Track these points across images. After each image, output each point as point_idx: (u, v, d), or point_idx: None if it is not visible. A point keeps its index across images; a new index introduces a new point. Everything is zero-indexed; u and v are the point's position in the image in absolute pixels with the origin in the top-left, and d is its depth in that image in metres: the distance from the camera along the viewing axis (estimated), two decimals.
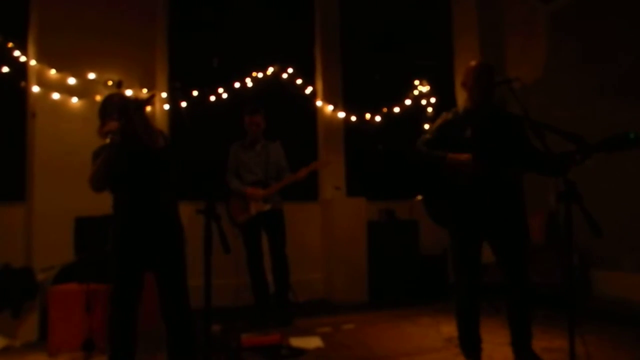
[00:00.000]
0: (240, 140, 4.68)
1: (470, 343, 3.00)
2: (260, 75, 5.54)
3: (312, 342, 3.74)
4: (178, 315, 2.74)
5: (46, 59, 4.72)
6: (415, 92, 6.19)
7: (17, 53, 4.68)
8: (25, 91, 4.82)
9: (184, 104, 5.13)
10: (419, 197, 3.15)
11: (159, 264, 2.75)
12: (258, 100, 5.05)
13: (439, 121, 3.10)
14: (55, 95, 4.71)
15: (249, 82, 5.46)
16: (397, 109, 6.07)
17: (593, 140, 2.46)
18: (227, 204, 4.55)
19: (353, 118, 5.96)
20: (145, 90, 5.01)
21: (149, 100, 3.01)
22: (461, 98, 6.55)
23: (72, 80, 4.75)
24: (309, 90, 5.82)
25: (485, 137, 2.84)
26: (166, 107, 5.20)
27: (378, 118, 6.02)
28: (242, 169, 4.57)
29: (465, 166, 2.81)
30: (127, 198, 2.73)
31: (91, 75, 4.81)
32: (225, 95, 5.33)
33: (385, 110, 6.04)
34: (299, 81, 5.74)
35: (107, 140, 2.51)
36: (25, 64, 4.74)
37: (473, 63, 3.03)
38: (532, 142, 2.83)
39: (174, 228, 2.82)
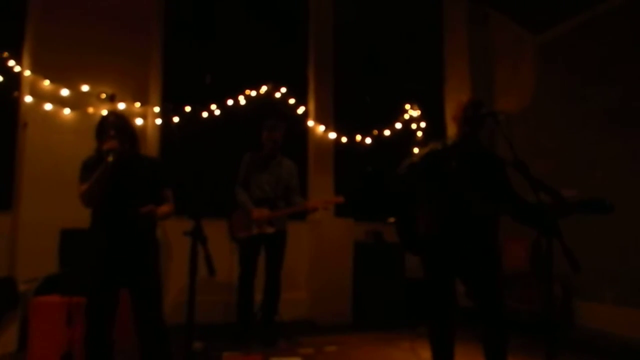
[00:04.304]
0: (254, 152, 4.54)
1: None
2: (253, 93, 5.60)
3: None
4: (152, 332, 2.75)
5: (40, 70, 4.75)
6: (406, 116, 6.28)
7: (11, 63, 4.71)
8: (18, 101, 4.83)
9: (175, 119, 5.18)
10: (391, 220, 3.13)
11: (134, 280, 2.76)
12: (279, 116, 4.96)
13: (426, 149, 3.13)
14: (48, 106, 4.73)
15: (241, 100, 5.51)
16: (387, 132, 6.14)
17: (575, 172, 2.50)
18: (229, 217, 4.46)
19: (344, 139, 6.02)
20: (138, 104, 5.04)
21: None
22: (451, 124, 6.67)
23: (65, 92, 4.77)
24: (301, 110, 5.88)
25: (470, 170, 2.86)
26: (158, 121, 5.22)
27: (368, 140, 6.08)
28: (252, 183, 4.43)
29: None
30: (108, 214, 2.75)
31: (84, 88, 4.84)
32: (217, 112, 5.37)
33: (375, 132, 6.11)
34: (291, 101, 5.80)
35: (110, 159, 2.55)
36: (19, 74, 4.76)
37: (464, 98, 3.07)
38: (512, 186, 2.85)
39: (149, 245, 2.84)
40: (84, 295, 3.47)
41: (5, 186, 4.77)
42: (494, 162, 2.93)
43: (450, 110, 6.78)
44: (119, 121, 2.77)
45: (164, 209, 2.83)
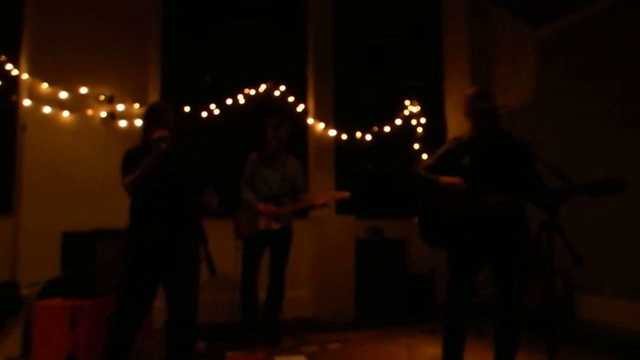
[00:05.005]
0: (260, 150, 4.57)
1: None
2: (252, 92, 5.58)
3: None
4: (183, 326, 2.68)
5: (38, 72, 4.73)
6: (406, 112, 6.26)
7: (9, 66, 4.70)
8: (16, 104, 4.82)
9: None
10: (416, 220, 3.10)
11: (174, 272, 2.69)
12: (282, 114, 4.98)
13: (441, 149, 3.06)
14: (46, 109, 4.71)
15: (241, 99, 5.50)
16: (387, 129, 6.12)
17: (575, 169, 2.49)
18: (235, 215, 4.46)
19: (344, 136, 6.01)
20: (137, 105, 5.03)
21: None
22: (451, 120, 6.66)
23: (63, 94, 4.76)
24: (300, 108, 5.86)
25: (483, 164, 2.82)
26: None
27: (368, 137, 6.06)
28: (258, 180, 4.45)
29: (456, 189, 2.79)
30: (152, 207, 2.70)
31: (83, 90, 4.83)
32: (217, 112, 5.36)
33: (375, 129, 6.09)
34: (290, 99, 5.78)
35: (163, 146, 2.55)
36: (17, 77, 4.75)
37: (469, 91, 3.01)
38: (536, 169, 2.81)
39: (194, 239, 2.78)
40: (87, 297, 3.50)
41: (5, 190, 4.77)
42: (515, 148, 2.85)
43: (450, 106, 6.76)
44: (169, 112, 2.81)
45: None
